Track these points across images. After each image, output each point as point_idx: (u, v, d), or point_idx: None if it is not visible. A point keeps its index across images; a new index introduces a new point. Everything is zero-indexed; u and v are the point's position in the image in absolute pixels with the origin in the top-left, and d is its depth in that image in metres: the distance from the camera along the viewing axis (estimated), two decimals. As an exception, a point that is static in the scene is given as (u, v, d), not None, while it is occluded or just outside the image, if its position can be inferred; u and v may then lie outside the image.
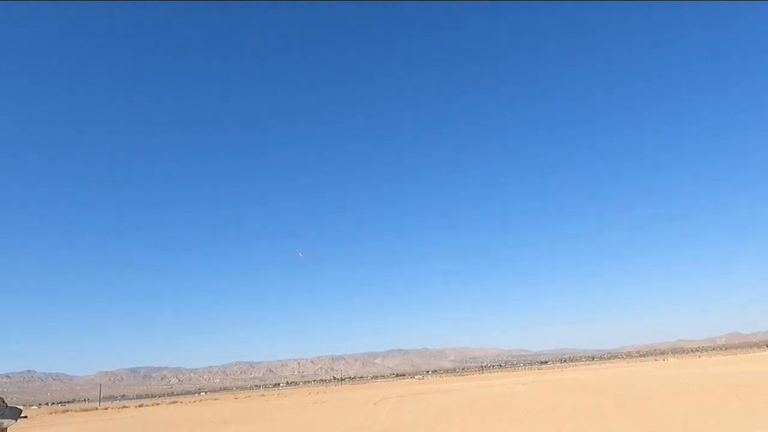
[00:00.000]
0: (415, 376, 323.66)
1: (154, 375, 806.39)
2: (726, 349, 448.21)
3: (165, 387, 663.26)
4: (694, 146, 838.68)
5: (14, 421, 4.00)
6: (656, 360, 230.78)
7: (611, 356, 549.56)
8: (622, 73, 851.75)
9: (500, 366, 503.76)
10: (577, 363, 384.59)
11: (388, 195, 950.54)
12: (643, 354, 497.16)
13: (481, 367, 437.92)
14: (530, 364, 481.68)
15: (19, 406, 4.30)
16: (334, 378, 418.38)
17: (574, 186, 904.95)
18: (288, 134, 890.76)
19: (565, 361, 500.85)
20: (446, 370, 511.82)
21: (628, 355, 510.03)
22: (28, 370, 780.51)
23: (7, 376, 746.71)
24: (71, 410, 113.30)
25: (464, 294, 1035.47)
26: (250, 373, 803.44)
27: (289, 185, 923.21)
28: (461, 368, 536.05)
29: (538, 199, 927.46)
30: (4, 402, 4.08)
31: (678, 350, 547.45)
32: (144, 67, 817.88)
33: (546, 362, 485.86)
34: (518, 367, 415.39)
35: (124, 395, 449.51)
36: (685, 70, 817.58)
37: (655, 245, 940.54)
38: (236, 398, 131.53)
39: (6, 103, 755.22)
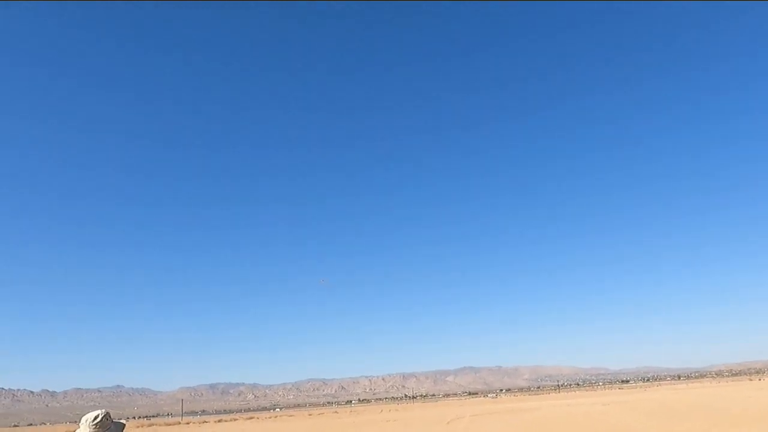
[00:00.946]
0: (488, 395, 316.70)
1: (231, 391, 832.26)
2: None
3: (242, 403, 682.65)
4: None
5: None
6: (751, 380, 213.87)
7: (699, 375, 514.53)
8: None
9: (577, 385, 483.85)
10: (661, 382, 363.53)
11: (463, 213, 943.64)
12: (736, 373, 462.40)
13: (557, 385, 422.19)
14: (610, 383, 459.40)
15: (122, 421, 4.61)
16: (406, 396, 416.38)
17: (661, 196, 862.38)
18: (390, 146, 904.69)
19: (648, 380, 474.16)
20: (520, 389, 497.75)
21: (719, 374, 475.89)
22: (117, 386, 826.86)
23: (99, 391, 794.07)
24: (156, 424, 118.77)
25: (539, 310, 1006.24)
26: (323, 390, 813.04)
27: (363, 201, 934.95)
28: (536, 387, 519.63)
29: (618, 212, 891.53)
30: (110, 417, 4.39)
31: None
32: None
33: (627, 381, 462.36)
34: (597, 386, 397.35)
35: (204, 410, 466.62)
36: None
37: (749, 255, 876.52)
38: (310, 415, 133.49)
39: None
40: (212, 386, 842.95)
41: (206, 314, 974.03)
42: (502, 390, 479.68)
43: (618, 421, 37.48)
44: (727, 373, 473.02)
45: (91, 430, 4.23)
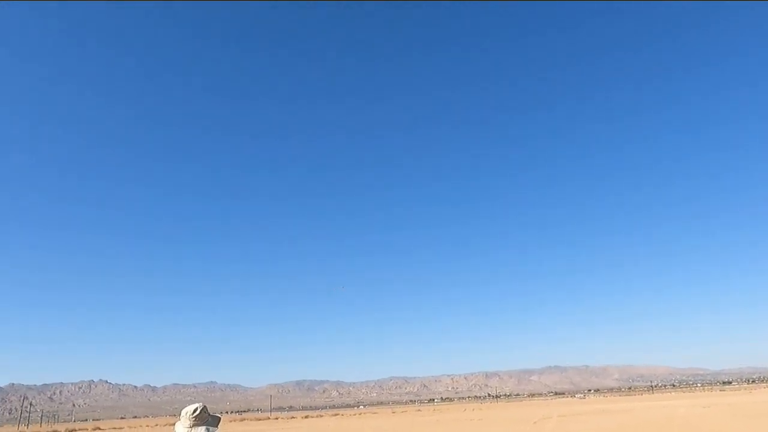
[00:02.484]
0: (576, 395, 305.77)
1: (317, 388, 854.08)
2: None
3: (326, 399, 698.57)
4: None
5: (216, 428, 4.62)
6: None
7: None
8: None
9: (672, 386, 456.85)
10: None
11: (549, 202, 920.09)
12: None
13: (650, 386, 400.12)
14: (709, 384, 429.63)
15: (218, 414, 4.91)
16: (489, 395, 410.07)
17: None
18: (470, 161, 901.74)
19: (753, 381, 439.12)
20: (610, 389, 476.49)
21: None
22: (211, 382, 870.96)
23: (194, 386, 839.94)
24: (247, 419, 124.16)
25: (629, 306, 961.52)
26: (405, 388, 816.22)
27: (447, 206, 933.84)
28: (627, 387, 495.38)
29: (718, 198, 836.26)
30: (207, 410, 4.71)
31: None
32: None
33: (729, 382, 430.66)
34: (694, 387, 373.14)
35: (291, 406, 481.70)
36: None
37: None
38: (393, 412, 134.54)
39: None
40: (298, 383, 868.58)
41: (293, 314, 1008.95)
42: (590, 390, 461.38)
43: (721, 425, 35.02)
44: None
45: (191, 422, 4.53)
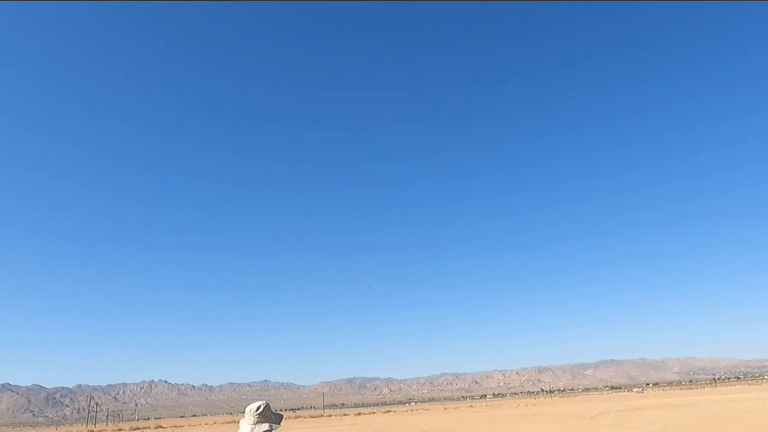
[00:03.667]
0: (633, 389, 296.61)
1: (368, 385, 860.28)
2: None
3: (378, 396, 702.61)
4: None
5: (279, 425, 4.72)
6: None
7: None
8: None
9: (737, 378, 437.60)
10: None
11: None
12: None
13: (714, 379, 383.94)
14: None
15: (280, 412, 5.01)
16: (542, 390, 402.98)
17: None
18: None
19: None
20: (669, 383, 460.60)
21: None
22: (265, 380, 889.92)
23: (249, 385, 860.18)
24: (301, 416, 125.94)
25: (689, 296, 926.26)
26: (456, 384, 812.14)
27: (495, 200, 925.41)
28: (687, 381, 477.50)
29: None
30: (270, 408, 4.79)
31: None
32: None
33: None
34: (762, 379, 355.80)
35: (343, 404, 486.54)
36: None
37: None
38: (446, 409, 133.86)
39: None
40: (350, 380, 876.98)
41: (344, 311, 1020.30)
42: (648, 384, 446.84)
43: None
44: None
45: (255, 419, 4.61)
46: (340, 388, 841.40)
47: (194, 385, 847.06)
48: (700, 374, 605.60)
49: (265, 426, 4.60)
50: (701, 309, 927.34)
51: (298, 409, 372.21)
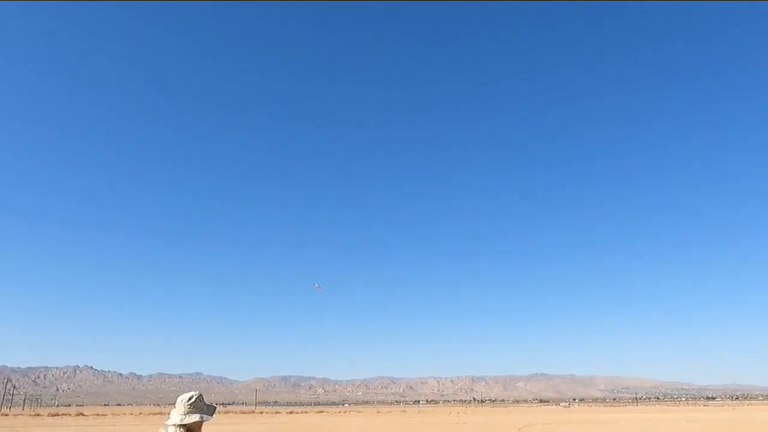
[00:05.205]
0: (561, 404, 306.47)
1: (303, 384, 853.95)
2: None
3: (312, 396, 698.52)
4: None
5: (211, 417, 4.63)
6: None
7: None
8: None
9: (657, 398, 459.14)
10: (752, 401, 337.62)
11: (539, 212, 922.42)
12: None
13: (635, 398, 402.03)
14: (693, 399, 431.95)
15: (214, 404, 4.94)
16: (474, 399, 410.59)
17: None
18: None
19: (737, 398, 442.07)
20: (595, 399, 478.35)
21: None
22: (197, 372, 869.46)
23: (180, 377, 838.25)
24: (231, 411, 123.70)
25: (618, 318, 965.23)
26: (391, 388, 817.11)
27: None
28: (612, 398, 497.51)
29: (706, 217, 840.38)
30: (203, 399, 4.69)
31: None
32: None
33: (713, 398, 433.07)
34: (679, 401, 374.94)
35: (276, 401, 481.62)
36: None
37: None
38: (378, 412, 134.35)
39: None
40: (284, 378, 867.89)
41: (281, 309, 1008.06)
42: (575, 399, 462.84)
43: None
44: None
45: (186, 409, 4.52)
46: (274, 386, 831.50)
47: (122, 373, 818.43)
48: (624, 393, 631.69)
49: (196, 417, 4.52)
50: (629, 331, 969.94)
51: (230, 404, 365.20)
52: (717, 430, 46.14)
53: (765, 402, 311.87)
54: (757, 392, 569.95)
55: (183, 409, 4.53)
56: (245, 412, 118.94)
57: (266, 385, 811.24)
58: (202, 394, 4.70)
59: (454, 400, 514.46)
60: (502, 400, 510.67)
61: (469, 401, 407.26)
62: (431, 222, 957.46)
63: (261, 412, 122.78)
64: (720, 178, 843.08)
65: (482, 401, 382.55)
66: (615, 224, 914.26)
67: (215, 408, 4.80)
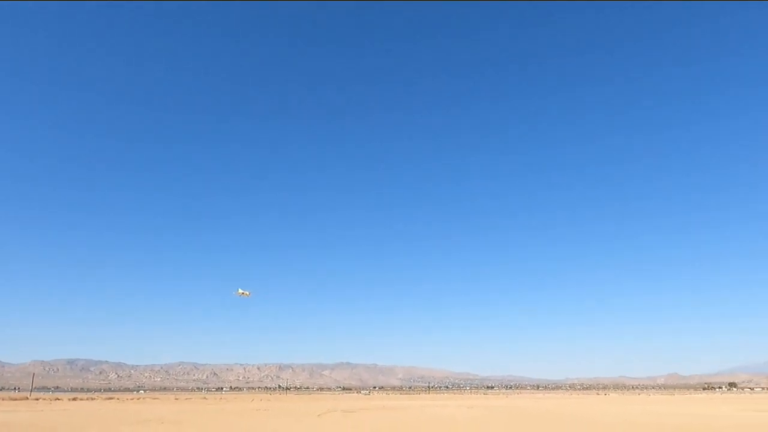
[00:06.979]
0: (362, 391, 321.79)
1: (92, 368, 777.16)
2: (665, 388, 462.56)
3: (103, 382, 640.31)
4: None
5: None
6: (598, 394, 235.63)
7: (555, 387, 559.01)
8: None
9: (447, 387, 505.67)
10: (522, 391, 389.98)
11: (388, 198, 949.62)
12: (586, 387, 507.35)
13: (428, 387, 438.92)
14: (477, 388, 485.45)
15: None
16: (280, 386, 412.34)
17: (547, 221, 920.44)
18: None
19: (510, 387, 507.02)
20: (394, 388, 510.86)
21: (572, 387, 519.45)
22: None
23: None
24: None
25: (416, 314, 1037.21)
26: (194, 375, 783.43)
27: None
28: (408, 387, 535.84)
29: (503, 234, 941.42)
30: None
31: (620, 386, 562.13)
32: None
33: (492, 387, 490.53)
34: (465, 390, 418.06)
35: (58, 387, 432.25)
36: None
37: (605, 285, 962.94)
38: (176, 399, 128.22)
39: None
40: (70, 362, 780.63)
41: (67, 283, 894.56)
42: (375, 387, 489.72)
43: (480, 423, 39.54)
44: (578, 387, 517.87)
45: None
46: (57, 370, 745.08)
47: None
48: (419, 382, 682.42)
49: None
50: (425, 325, 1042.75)
51: (0, 389, 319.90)
52: (488, 416, 52.43)
53: (531, 392, 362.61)
54: (526, 383, 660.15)
55: None
56: (16, 399, 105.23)
57: (47, 368, 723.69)
58: None
59: (259, 388, 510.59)
60: (308, 388, 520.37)
61: (275, 388, 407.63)
62: (235, 211, 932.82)
63: (37, 399, 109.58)
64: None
65: (287, 389, 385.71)
66: (412, 221, 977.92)
67: None
